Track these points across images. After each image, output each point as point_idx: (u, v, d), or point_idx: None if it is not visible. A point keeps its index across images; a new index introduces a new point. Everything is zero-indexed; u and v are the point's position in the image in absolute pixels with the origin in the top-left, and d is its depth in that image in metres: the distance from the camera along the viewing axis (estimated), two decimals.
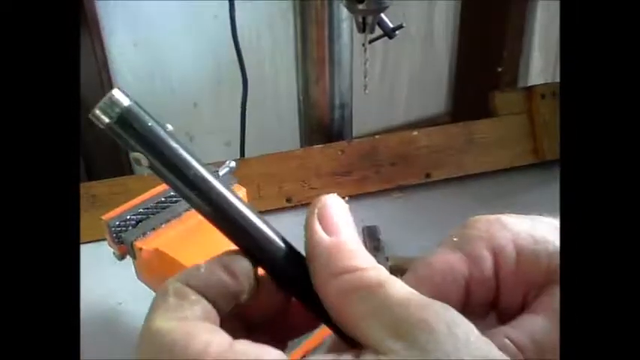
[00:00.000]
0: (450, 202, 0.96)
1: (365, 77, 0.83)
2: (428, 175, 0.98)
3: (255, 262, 0.32)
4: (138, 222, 0.63)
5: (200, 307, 0.29)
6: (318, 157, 0.96)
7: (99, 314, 0.79)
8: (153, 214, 0.64)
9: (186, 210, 0.64)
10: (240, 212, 0.33)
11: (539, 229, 0.35)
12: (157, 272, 0.63)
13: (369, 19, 0.77)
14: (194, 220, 0.63)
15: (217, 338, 0.28)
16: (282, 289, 0.32)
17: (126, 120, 0.30)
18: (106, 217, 0.63)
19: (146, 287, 0.70)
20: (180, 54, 1.53)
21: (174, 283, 0.31)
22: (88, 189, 0.93)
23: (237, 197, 0.33)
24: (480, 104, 1.12)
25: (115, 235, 0.63)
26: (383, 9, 0.77)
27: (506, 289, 0.34)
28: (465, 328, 0.27)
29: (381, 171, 0.97)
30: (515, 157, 1.01)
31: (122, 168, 1.53)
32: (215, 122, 1.61)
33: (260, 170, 0.94)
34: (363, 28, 0.78)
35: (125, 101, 0.31)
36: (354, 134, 1.09)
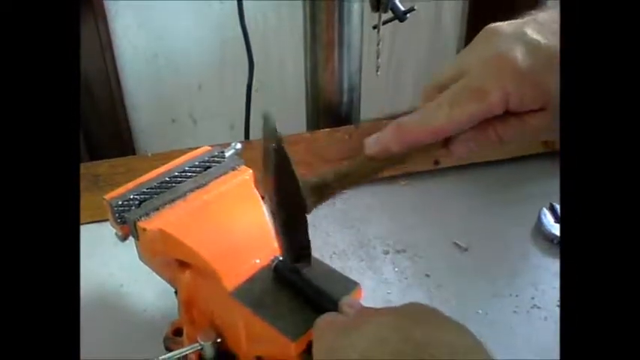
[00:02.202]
0: (457, 191, 0.95)
1: (377, 58, 0.81)
2: (436, 162, 0.96)
3: None
4: (141, 202, 0.62)
5: None
6: (325, 140, 0.94)
7: (101, 295, 0.77)
8: (157, 194, 0.63)
9: (191, 191, 0.63)
10: None
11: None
12: (160, 253, 0.61)
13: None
14: (198, 201, 0.62)
15: None
16: None
17: None
18: (108, 196, 0.62)
19: (148, 269, 0.68)
20: (185, 35, 1.51)
21: None
22: (90, 169, 0.92)
23: None
24: None
25: (117, 215, 0.61)
26: None
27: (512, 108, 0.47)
28: None
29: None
30: (524, 146, 0.99)
31: (125, 148, 1.52)
32: (219, 105, 1.59)
33: None
34: (377, 7, 0.76)
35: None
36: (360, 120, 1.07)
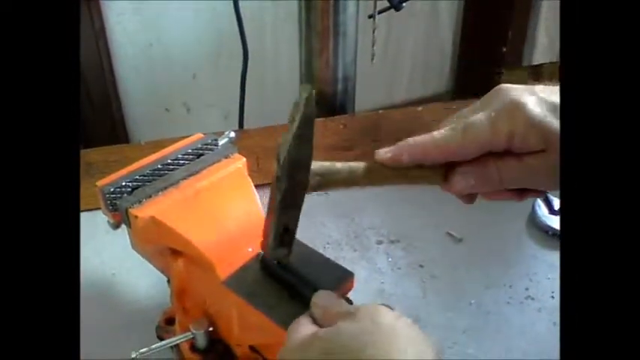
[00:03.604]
0: None
1: (373, 46, 0.80)
2: None
3: None
4: (133, 189, 0.61)
5: None
6: (319, 130, 0.93)
7: (93, 284, 0.77)
8: (149, 181, 0.62)
9: (184, 178, 0.62)
10: None
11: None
12: (153, 241, 0.61)
13: None
14: (191, 188, 0.62)
15: None
16: None
17: None
18: (100, 183, 0.61)
19: (140, 258, 0.68)
20: (180, 23, 1.49)
21: None
22: (83, 156, 0.91)
23: None
24: (483, 83, 1.10)
25: (109, 202, 0.61)
26: None
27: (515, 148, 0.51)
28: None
29: (383, 146, 0.95)
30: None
31: (117, 136, 1.51)
32: (214, 94, 1.58)
33: (259, 142, 0.91)
34: None
35: None
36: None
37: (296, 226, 0.54)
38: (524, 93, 0.51)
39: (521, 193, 0.56)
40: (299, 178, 0.51)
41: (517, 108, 0.50)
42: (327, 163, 0.54)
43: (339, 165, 0.54)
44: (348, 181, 0.54)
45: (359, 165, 0.55)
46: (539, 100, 0.51)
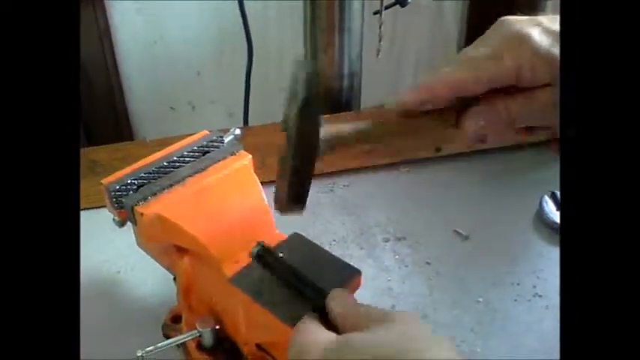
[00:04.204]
0: (458, 178, 0.94)
1: (379, 41, 0.80)
2: (438, 150, 0.95)
3: None
4: (139, 187, 0.61)
5: None
6: (325, 127, 0.93)
7: (97, 282, 0.77)
8: (154, 179, 0.62)
9: (190, 175, 0.62)
10: None
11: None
12: (158, 238, 0.61)
13: None
14: (197, 185, 0.61)
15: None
16: None
17: None
18: (106, 180, 0.61)
19: (145, 255, 0.68)
20: (184, 21, 1.49)
21: None
22: (87, 154, 0.91)
23: None
24: None
25: (114, 199, 0.60)
26: None
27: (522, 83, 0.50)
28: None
29: (390, 143, 0.94)
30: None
31: (122, 134, 1.50)
32: (218, 92, 1.58)
33: (265, 139, 0.91)
34: None
35: None
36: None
37: (310, 180, 0.54)
38: (528, 24, 0.50)
39: (531, 130, 0.55)
40: (309, 149, 0.52)
41: (522, 40, 0.49)
42: (333, 127, 0.55)
43: (345, 127, 0.55)
44: (357, 138, 0.55)
45: (366, 123, 0.55)
46: (544, 29, 0.49)
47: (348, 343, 0.44)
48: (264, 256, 0.54)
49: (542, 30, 0.49)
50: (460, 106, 0.54)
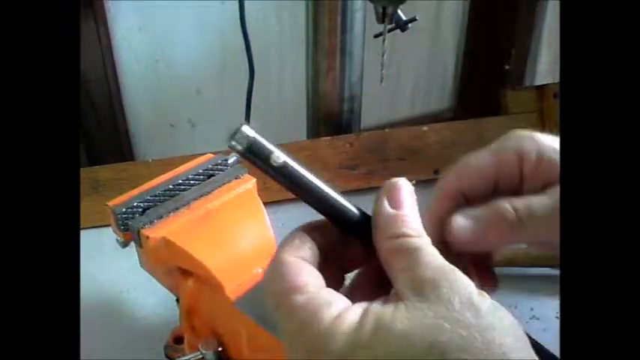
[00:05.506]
0: None
1: (382, 69, 0.81)
2: (436, 172, 0.96)
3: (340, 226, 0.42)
4: (145, 209, 0.62)
5: (312, 252, 0.39)
6: (326, 149, 0.94)
7: (100, 302, 0.77)
8: (160, 201, 0.63)
9: (195, 199, 0.63)
10: (328, 194, 0.41)
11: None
12: (164, 261, 0.61)
13: (390, 9, 0.76)
14: (202, 209, 0.62)
15: (315, 279, 0.37)
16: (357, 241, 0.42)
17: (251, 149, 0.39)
18: (112, 203, 0.62)
19: (149, 276, 0.68)
20: (185, 39, 1.51)
21: (300, 232, 0.40)
22: (90, 174, 0.92)
23: (325, 185, 0.42)
24: (485, 101, 1.11)
25: (120, 222, 0.61)
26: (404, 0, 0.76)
27: (528, 181, 0.43)
28: (464, 283, 0.34)
29: (389, 166, 0.96)
30: None
31: (123, 152, 1.51)
32: (218, 110, 1.59)
33: None
34: (382, 18, 0.77)
35: (251, 134, 0.39)
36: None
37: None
38: (534, 133, 0.44)
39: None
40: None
41: (525, 137, 0.43)
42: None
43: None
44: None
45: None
46: (550, 137, 0.43)
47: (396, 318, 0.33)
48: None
49: (547, 136, 0.43)
50: None
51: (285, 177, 0.40)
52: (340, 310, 0.34)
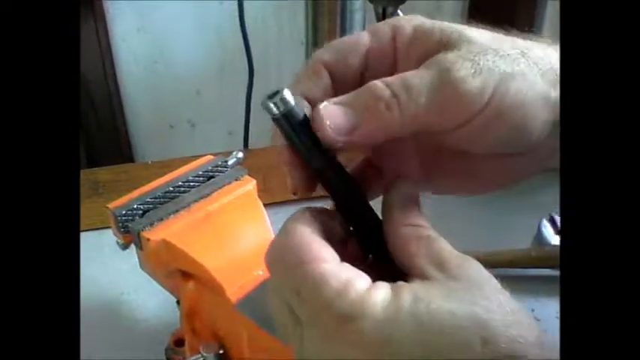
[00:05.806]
0: (455, 201, 0.93)
1: None
2: None
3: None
4: (145, 212, 0.62)
5: (320, 230, 0.39)
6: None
7: (101, 304, 0.77)
8: (161, 204, 0.63)
9: (195, 201, 0.63)
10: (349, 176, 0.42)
11: (438, 22, 0.43)
12: (164, 263, 0.61)
13: (390, 10, 0.76)
14: (202, 211, 0.62)
15: (334, 253, 0.37)
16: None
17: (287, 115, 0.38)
18: (112, 205, 0.62)
19: (149, 278, 0.68)
20: (185, 40, 1.51)
21: (309, 210, 0.41)
22: (90, 175, 0.92)
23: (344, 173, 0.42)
24: None
25: (121, 224, 0.61)
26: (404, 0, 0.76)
27: (402, 58, 0.42)
28: (487, 273, 0.38)
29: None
30: None
31: (123, 153, 1.51)
32: (218, 110, 1.59)
33: (266, 161, 0.92)
34: (382, 18, 0.76)
35: (292, 101, 0.38)
36: None
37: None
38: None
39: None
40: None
41: (403, 17, 0.43)
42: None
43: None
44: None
45: None
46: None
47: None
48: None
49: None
50: None
51: (309, 151, 0.39)
52: (370, 282, 0.35)
